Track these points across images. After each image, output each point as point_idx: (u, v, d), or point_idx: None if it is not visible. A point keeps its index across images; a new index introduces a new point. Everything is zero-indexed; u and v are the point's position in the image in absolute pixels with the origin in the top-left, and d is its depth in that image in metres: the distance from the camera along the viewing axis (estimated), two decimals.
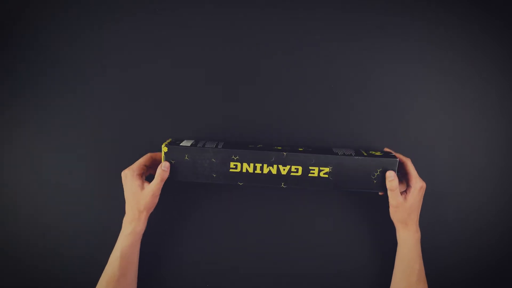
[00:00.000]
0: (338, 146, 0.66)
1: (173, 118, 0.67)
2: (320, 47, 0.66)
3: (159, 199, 0.61)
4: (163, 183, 0.60)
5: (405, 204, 0.60)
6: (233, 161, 0.59)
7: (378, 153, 0.61)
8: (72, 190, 0.67)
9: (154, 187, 0.59)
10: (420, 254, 0.61)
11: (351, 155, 0.59)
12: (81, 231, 0.67)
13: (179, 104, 0.67)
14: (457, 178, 0.68)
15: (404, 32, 0.66)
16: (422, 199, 0.60)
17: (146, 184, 0.60)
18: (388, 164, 0.59)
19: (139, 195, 0.59)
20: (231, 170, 0.59)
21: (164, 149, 0.59)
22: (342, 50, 0.66)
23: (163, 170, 0.59)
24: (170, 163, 0.59)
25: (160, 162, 0.62)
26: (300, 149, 0.61)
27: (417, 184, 0.59)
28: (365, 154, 0.60)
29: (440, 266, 0.68)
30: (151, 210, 0.61)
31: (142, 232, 0.62)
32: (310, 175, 0.59)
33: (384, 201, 0.63)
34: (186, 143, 0.60)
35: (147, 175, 0.64)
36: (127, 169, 0.60)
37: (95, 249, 0.67)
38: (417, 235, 0.61)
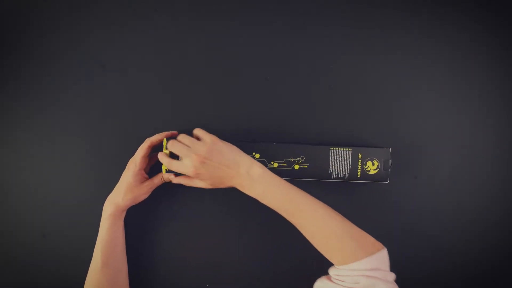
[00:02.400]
0: (336, 145, 0.66)
1: (173, 117, 0.67)
2: (319, 45, 0.66)
3: (159, 197, 0.63)
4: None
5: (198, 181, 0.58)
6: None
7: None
8: (72, 190, 0.67)
9: (154, 185, 0.61)
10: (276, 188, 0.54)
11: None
12: (81, 231, 0.67)
13: (178, 104, 0.67)
14: (458, 177, 0.68)
15: (405, 29, 0.66)
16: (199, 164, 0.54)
17: (145, 179, 0.61)
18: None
19: (135, 187, 0.60)
20: None
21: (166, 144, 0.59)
22: (342, 48, 0.66)
23: (170, 180, 0.61)
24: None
25: (157, 146, 0.62)
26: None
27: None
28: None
29: (441, 266, 0.68)
30: (136, 202, 0.62)
31: (122, 215, 0.62)
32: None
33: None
34: None
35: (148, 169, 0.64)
36: (132, 163, 0.60)
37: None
38: (249, 179, 0.54)
